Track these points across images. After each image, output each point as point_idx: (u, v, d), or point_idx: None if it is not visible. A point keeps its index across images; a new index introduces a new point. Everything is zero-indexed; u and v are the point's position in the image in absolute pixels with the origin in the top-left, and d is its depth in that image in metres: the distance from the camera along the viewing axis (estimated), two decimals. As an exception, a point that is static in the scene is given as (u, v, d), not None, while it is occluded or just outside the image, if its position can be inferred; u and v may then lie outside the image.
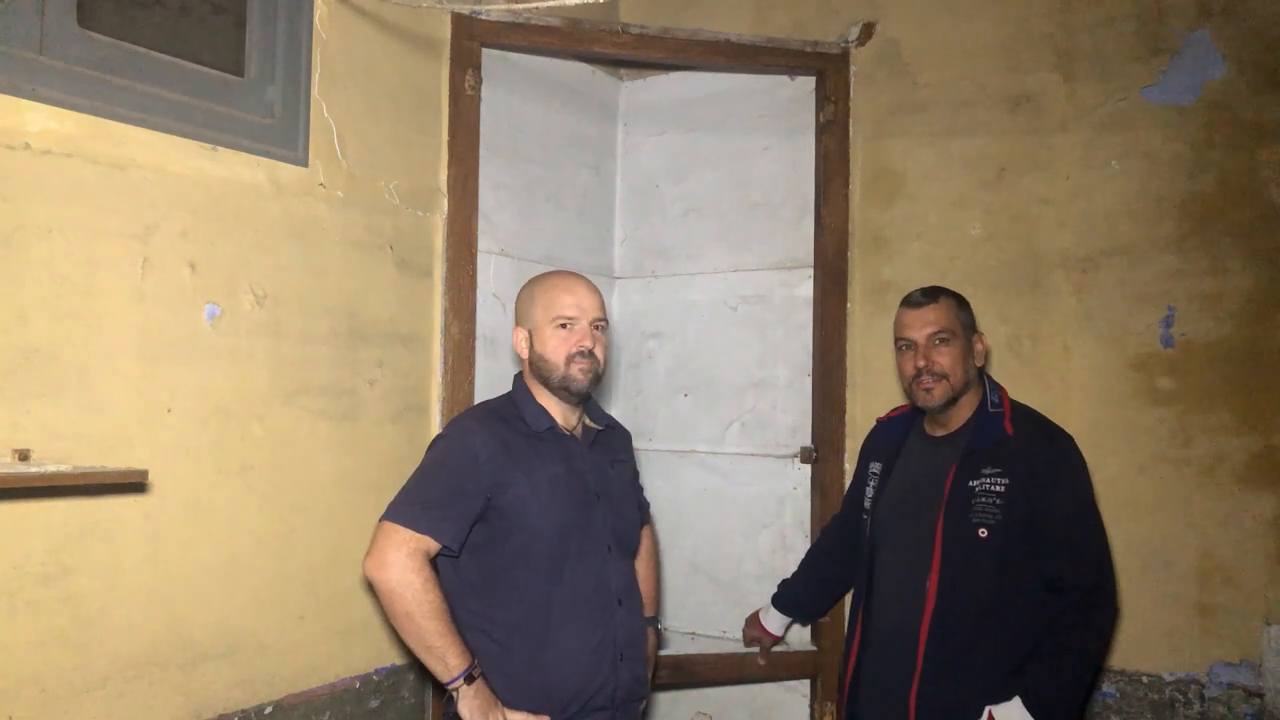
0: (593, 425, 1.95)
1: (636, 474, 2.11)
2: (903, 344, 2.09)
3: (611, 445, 1.99)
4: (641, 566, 2.07)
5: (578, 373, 1.81)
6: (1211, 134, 2.44)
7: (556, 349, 1.82)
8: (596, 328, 1.85)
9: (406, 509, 1.69)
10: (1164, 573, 2.43)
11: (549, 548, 1.77)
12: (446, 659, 1.65)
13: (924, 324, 2.04)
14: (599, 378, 1.86)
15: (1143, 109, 2.51)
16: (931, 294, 2.07)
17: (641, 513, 2.08)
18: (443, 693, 1.74)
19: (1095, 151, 2.56)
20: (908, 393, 2.12)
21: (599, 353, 1.85)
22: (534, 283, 1.91)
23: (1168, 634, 2.42)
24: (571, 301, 1.84)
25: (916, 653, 1.96)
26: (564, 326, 1.82)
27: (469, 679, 1.66)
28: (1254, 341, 2.38)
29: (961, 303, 2.08)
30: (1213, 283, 2.42)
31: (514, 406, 1.87)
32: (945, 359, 2.01)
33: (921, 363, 2.03)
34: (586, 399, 1.89)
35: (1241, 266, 2.40)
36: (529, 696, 1.74)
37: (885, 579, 2.10)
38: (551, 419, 1.86)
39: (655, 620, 2.13)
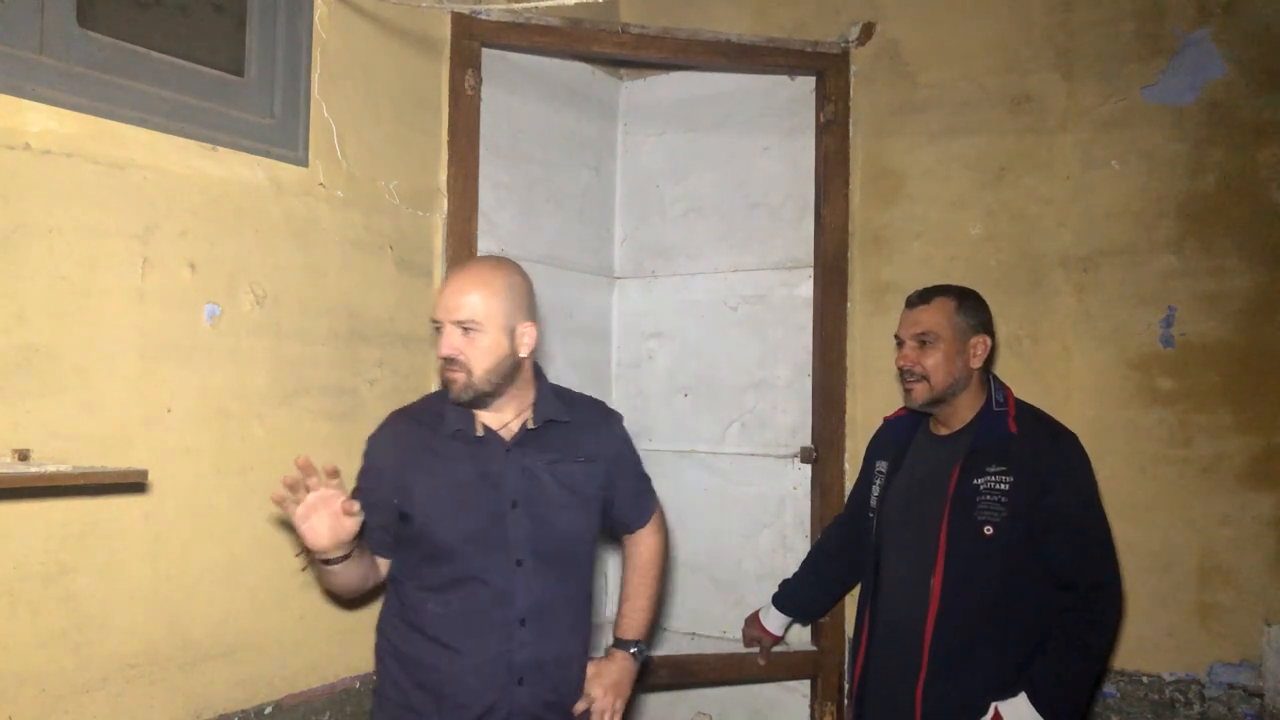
0: (529, 423, 1.76)
1: (636, 475, 1.93)
2: (897, 341, 2.12)
3: (562, 442, 1.78)
4: (633, 580, 1.93)
5: (448, 382, 1.67)
6: (1211, 134, 2.44)
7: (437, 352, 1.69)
8: (466, 330, 1.65)
9: None
10: (1164, 573, 2.43)
11: (446, 556, 1.69)
12: (322, 567, 1.65)
13: (911, 325, 2.07)
14: (491, 388, 1.68)
15: (1143, 109, 2.51)
16: (927, 295, 2.09)
17: (625, 520, 1.92)
18: None
19: (1095, 151, 2.56)
20: None
21: (469, 358, 1.65)
22: None
23: (1168, 634, 2.42)
24: (439, 303, 1.68)
25: (922, 650, 1.98)
26: (437, 330, 1.68)
27: None
28: (1254, 341, 2.38)
29: (964, 303, 2.07)
30: (1213, 283, 2.42)
31: (438, 405, 1.76)
32: (928, 360, 2.03)
33: (903, 363, 2.07)
34: (480, 405, 1.71)
35: (1241, 266, 2.40)
36: (415, 694, 1.69)
37: (891, 577, 2.12)
38: (469, 419, 1.73)
39: (632, 645, 1.89)
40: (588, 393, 3.03)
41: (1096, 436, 2.41)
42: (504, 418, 1.75)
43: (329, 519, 1.52)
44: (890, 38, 2.82)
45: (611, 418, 1.92)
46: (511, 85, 2.77)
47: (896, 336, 2.12)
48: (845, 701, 2.73)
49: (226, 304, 1.93)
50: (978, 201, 2.69)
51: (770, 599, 2.59)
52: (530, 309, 1.74)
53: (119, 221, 1.75)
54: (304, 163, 2.09)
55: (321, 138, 2.14)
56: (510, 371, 1.70)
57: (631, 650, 1.89)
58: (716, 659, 2.75)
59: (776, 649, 2.69)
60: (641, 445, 3.13)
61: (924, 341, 2.04)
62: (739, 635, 2.72)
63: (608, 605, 3.20)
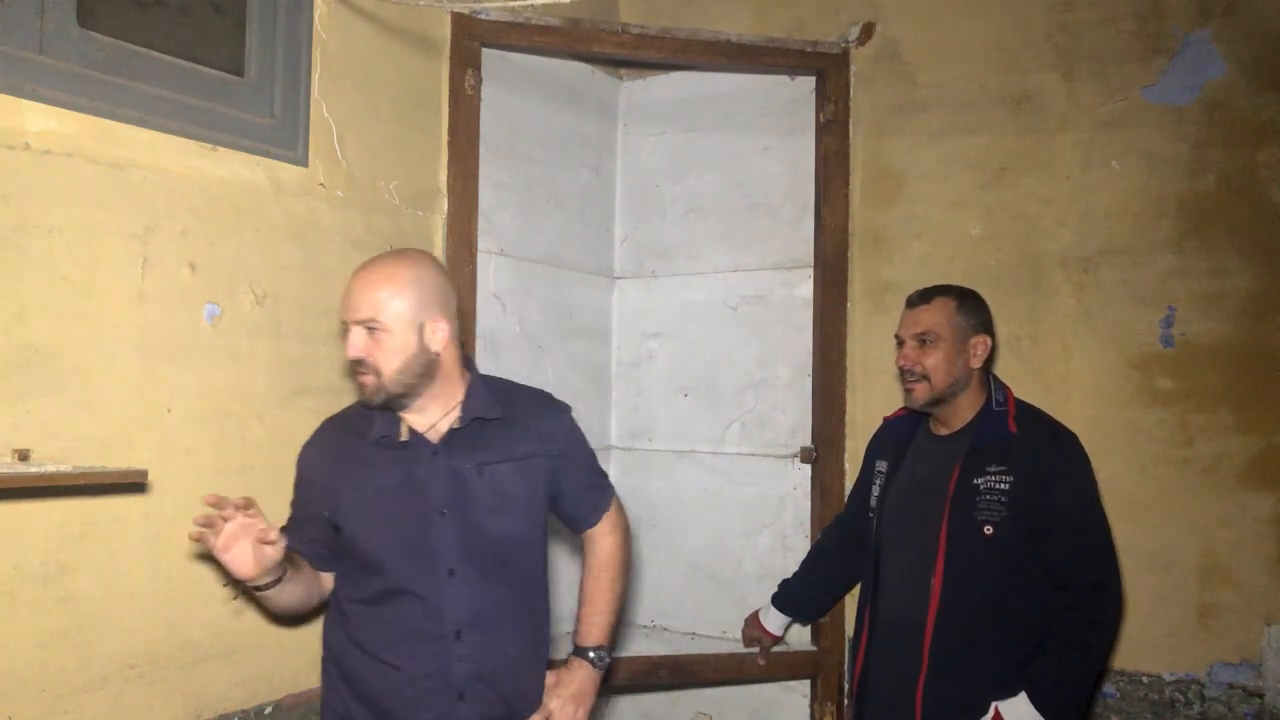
0: (455, 423, 1.67)
1: (585, 469, 1.80)
2: (897, 340, 2.12)
3: (495, 440, 1.68)
4: (588, 583, 1.82)
5: (360, 386, 1.61)
6: (1211, 134, 2.44)
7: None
8: (370, 330, 1.57)
9: None
10: (1164, 573, 2.43)
11: (373, 566, 1.63)
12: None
13: (912, 324, 2.07)
14: (403, 390, 1.60)
15: (1143, 109, 2.51)
16: (928, 294, 2.09)
17: (575, 517, 1.82)
18: None
19: (1095, 151, 2.56)
20: None
21: (376, 360, 1.57)
22: None
23: (1168, 634, 2.42)
24: (342, 302, 1.60)
25: (922, 649, 1.98)
26: (345, 331, 1.60)
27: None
28: (1254, 341, 2.38)
29: (964, 303, 2.07)
30: (1213, 283, 2.42)
31: (367, 410, 1.67)
32: (928, 360, 2.03)
33: (903, 363, 2.07)
34: (397, 407, 1.64)
35: (1241, 266, 2.40)
36: (356, 708, 1.65)
37: (891, 576, 2.12)
38: (394, 424, 1.66)
39: (591, 652, 1.79)
40: (587, 393, 3.07)
41: (1096, 436, 2.41)
42: (431, 419, 1.66)
43: (251, 548, 1.49)
44: (890, 38, 2.82)
45: (555, 409, 1.79)
46: (511, 85, 2.77)
47: (897, 336, 2.12)
48: (845, 701, 2.73)
49: (226, 304, 1.93)
50: (978, 201, 2.69)
51: (770, 599, 2.59)
52: (442, 303, 1.64)
53: (119, 221, 1.75)
54: (304, 163, 2.09)
55: (321, 138, 2.14)
56: (424, 370, 1.61)
57: (590, 656, 1.78)
58: (716, 659, 2.75)
59: (776, 649, 2.69)
60: (641, 445, 3.16)
61: (924, 341, 2.05)
62: (739, 635, 2.72)
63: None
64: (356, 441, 1.67)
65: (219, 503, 1.46)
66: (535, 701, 1.73)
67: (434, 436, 1.66)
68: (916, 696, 1.98)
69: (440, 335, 1.62)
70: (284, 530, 1.60)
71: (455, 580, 1.63)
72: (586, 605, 1.82)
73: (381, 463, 1.65)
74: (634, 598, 3.16)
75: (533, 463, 1.71)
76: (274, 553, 1.51)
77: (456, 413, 1.67)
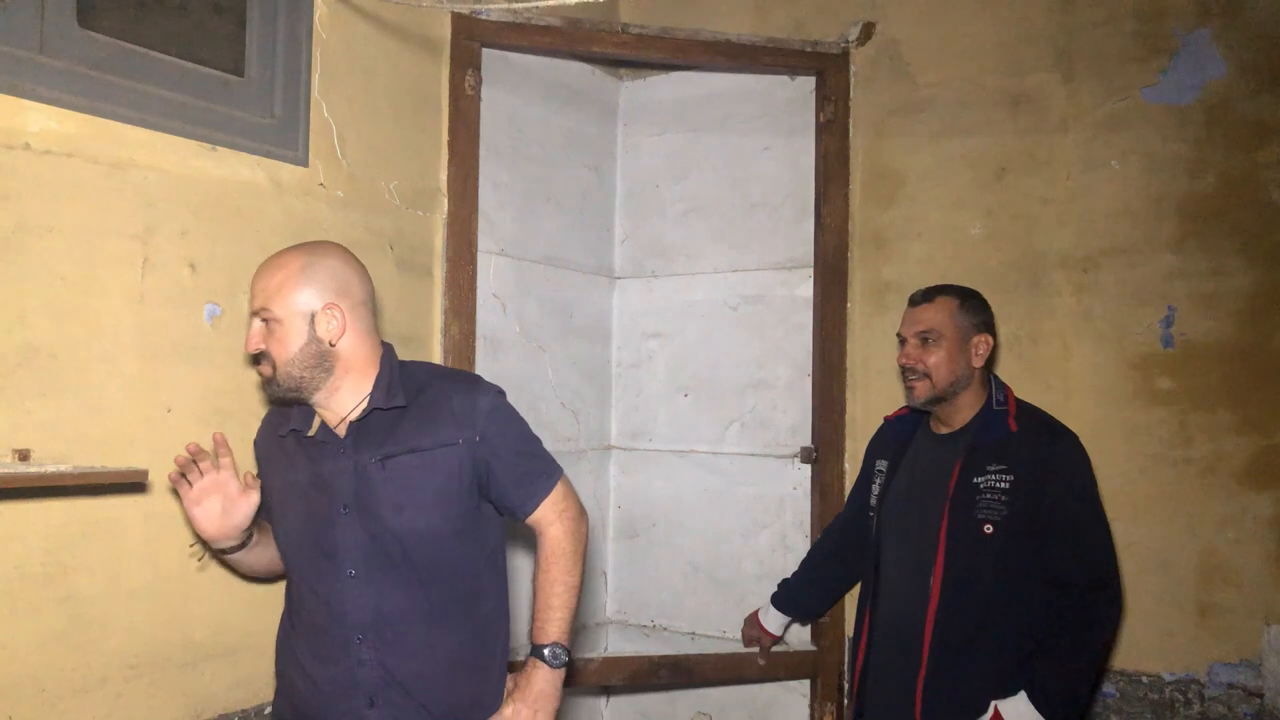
0: (355, 415, 1.59)
1: (515, 454, 1.65)
2: (899, 339, 2.12)
3: (400, 431, 1.59)
4: (539, 577, 1.69)
5: (262, 384, 1.59)
6: (1211, 134, 2.44)
7: None
8: (264, 320, 1.54)
9: None
10: (1164, 573, 2.43)
11: (288, 564, 1.66)
12: None
13: (914, 322, 2.08)
14: (295, 384, 1.55)
15: (1143, 109, 2.51)
16: (930, 293, 2.09)
17: (509, 504, 1.68)
18: None
19: (1095, 151, 2.56)
20: None
21: (275, 352, 1.53)
22: None
23: (1168, 634, 2.42)
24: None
25: (922, 648, 1.98)
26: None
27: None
28: (1254, 341, 2.38)
29: (967, 302, 2.08)
30: (1213, 283, 2.42)
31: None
32: (930, 359, 2.04)
33: (905, 361, 2.08)
34: (296, 401, 1.60)
35: (1241, 266, 2.40)
36: (284, 706, 1.69)
37: (890, 575, 2.12)
38: (306, 417, 1.63)
39: (545, 650, 1.64)
40: (587, 393, 3.07)
41: (1096, 436, 2.41)
42: (340, 413, 1.60)
43: (221, 503, 1.55)
44: (890, 38, 2.82)
45: (476, 391, 1.65)
46: (511, 85, 2.77)
47: (899, 335, 2.12)
48: (845, 701, 2.73)
49: (226, 304, 1.93)
50: (978, 201, 2.69)
51: (770, 599, 2.59)
52: (339, 291, 1.56)
53: (119, 221, 1.75)
54: (304, 163, 2.09)
55: (321, 138, 2.14)
56: (318, 362, 1.55)
57: (545, 655, 1.64)
58: (716, 659, 2.75)
59: (776, 649, 2.69)
60: (641, 445, 3.16)
61: (926, 339, 2.05)
62: (739, 635, 2.72)
63: (608, 603, 3.20)
64: (279, 432, 1.67)
65: (197, 451, 1.52)
66: (488, 709, 1.65)
67: (342, 430, 1.61)
68: (916, 695, 1.98)
69: (334, 324, 1.55)
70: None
71: (356, 581, 1.56)
72: (539, 601, 1.68)
73: (295, 458, 1.63)
74: (633, 597, 3.16)
75: (444, 452, 1.59)
76: (246, 509, 1.59)
77: (363, 405, 1.60)
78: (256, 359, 1.58)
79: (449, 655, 1.61)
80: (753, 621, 2.64)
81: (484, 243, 2.58)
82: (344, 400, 1.60)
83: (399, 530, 1.57)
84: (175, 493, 1.64)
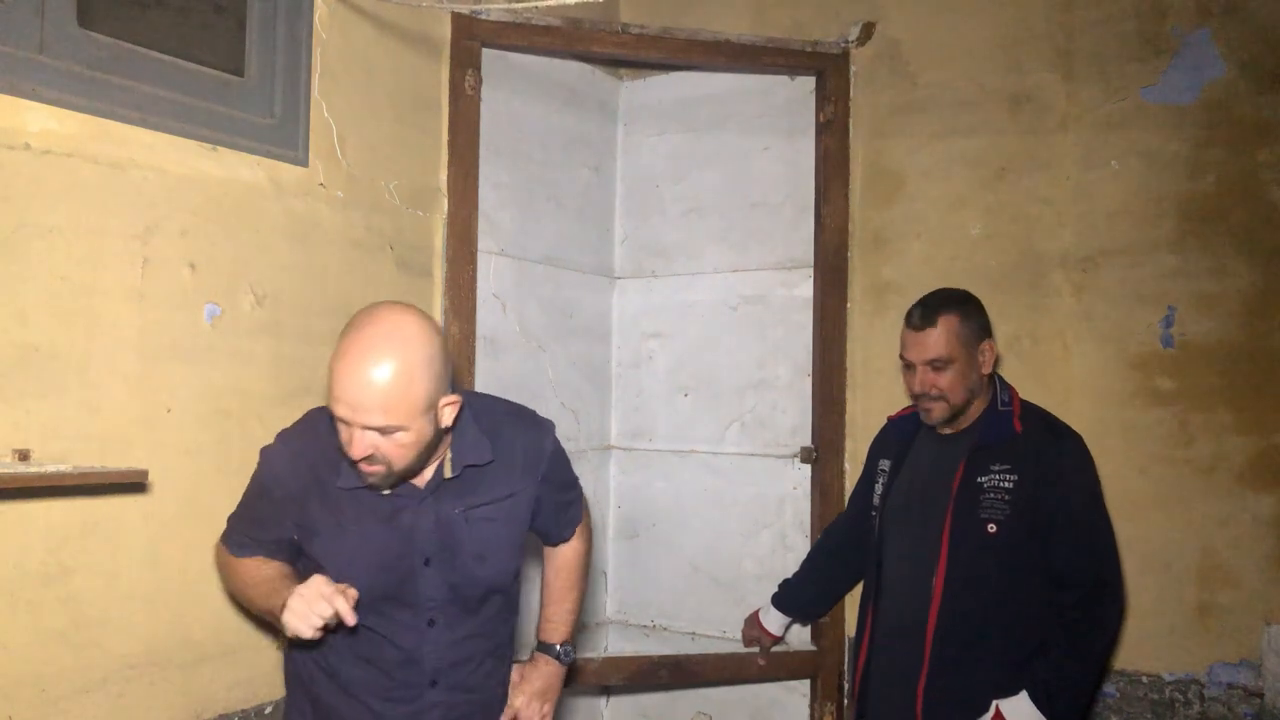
0: (445, 471, 1.54)
1: (563, 487, 1.72)
2: (904, 362, 2.08)
3: (480, 482, 1.57)
4: (555, 583, 1.78)
5: (365, 476, 1.44)
6: (1211, 134, 2.44)
7: (340, 439, 1.43)
8: (384, 432, 1.39)
9: (228, 525, 1.62)
10: (1164, 573, 2.43)
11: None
12: (273, 609, 1.42)
13: (921, 350, 2.02)
14: (410, 471, 1.47)
15: (1143, 109, 2.51)
16: (930, 316, 2.01)
17: (550, 536, 1.76)
18: None
19: (1095, 151, 2.56)
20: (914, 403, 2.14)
21: (389, 455, 1.40)
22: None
23: (1168, 634, 2.42)
24: (339, 392, 1.38)
25: (924, 648, 1.98)
26: (340, 420, 1.40)
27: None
28: (1254, 341, 2.38)
29: (966, 314, 2.03)
30: (1213, 283, 2.42)
31: (335, 447, 1.47)
32: (943, 382, 2.01)
33: (918, 388, 2.04)
34: (407, 479, 1.51)
35: (1241, 266, 2.40)
36: None
37: (893, 575, 2.12)
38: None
39: (558, 648, 1.77)
40: (587, 393, 3.07)
41: (1096, 436, 2.40)
42: (425, 470, 1.54)
43: None
44: (890, 38, 2.82)
45: (540, 432, 1.67)
46: (511, 85, 2.77)
47: (904, 358, 2.07)
48: (845, 701, 2.73)
49: (226, 304, 1.93)
50: (978, 201, 2.69)
51: (770, 599, 2.59)
52: (446, 373, 1.46)
53: (119, 221, 1.75)
54: (304, 163, 2.09)
55: (321, 138, 2.14)
56: (434, 447, 1.49)
57: (558, 652, 1.76)
58: (716, 659, 2.75)
59: (776, 649, 2.69)
60: (641, 445, 3.16)
61: (938, 366, 2.01)
62: (739, 635, 2.72)
63: (609, 603, 3.20)
64: (332, 471, 1.51)
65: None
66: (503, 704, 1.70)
67: (419, 482, 1.54)
68: (918, 695, 1.98)
69: (449, 410, 1.47)
70: (247, 537, 1.56)
71: (436, 630, 1.55)
72: (553, 604, 1.78)
73: (363, 506, 1.51)
74: (634, 598, 3.16)
75: (515, 500, 1.61)
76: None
77: (445, 457, 1.54)
78: (367, 461, 1.42)
79: (498, 680, 1.68)
80: (753, 622, 2.64)
81: (484, 243, 2.58)
82: (432, 461, 1.54)
83: (481, 576, 1.57)
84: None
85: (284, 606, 1.37)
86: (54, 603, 1.65)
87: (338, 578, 1.43)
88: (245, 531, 1.58)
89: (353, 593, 1.39)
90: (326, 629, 1.38)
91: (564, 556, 1.79)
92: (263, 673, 2.00)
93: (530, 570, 2.48)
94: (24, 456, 1.56)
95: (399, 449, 1.40)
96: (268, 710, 2.00)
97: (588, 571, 1.85)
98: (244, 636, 1.97)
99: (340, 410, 1.38)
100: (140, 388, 1.78)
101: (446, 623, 1.56)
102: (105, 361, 1.72)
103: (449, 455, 1.54)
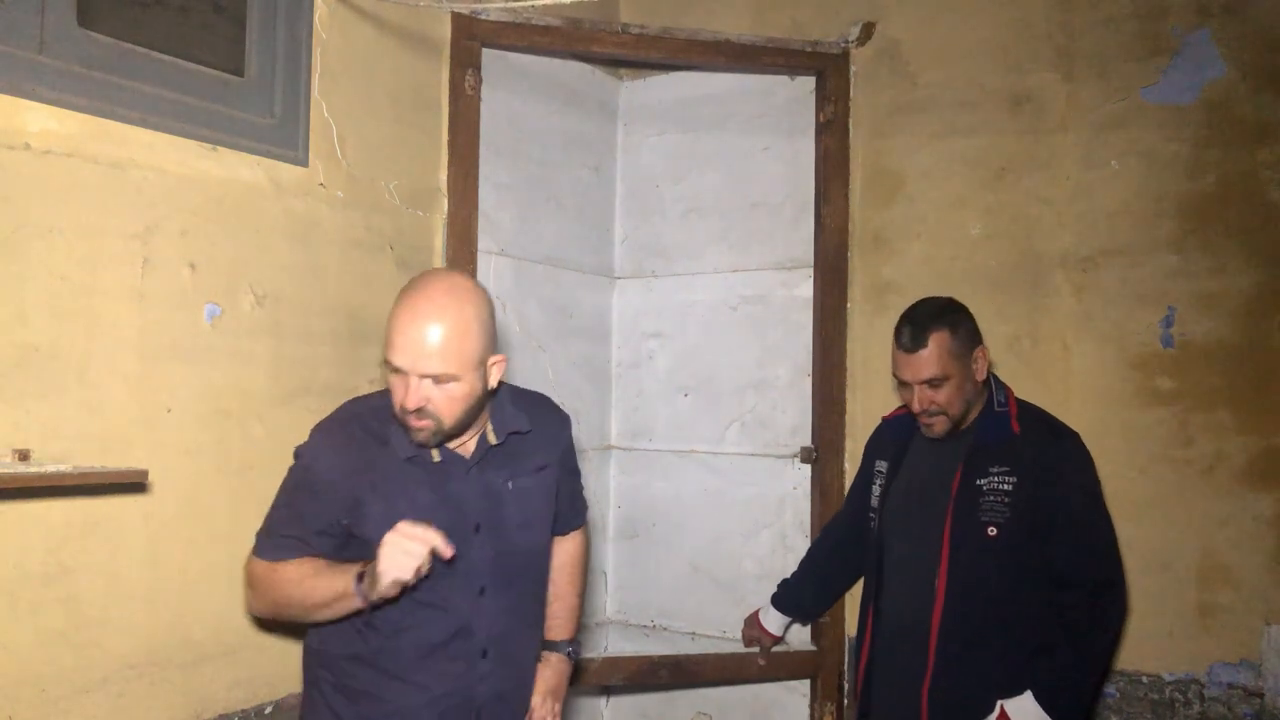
0: (490, 439, 1.63)
1: (573, 473, 1.83)
2: (898, 380, 2.07)
3: (520, 453, 1.66)
4: (560, 580, 1.83)
5: (415, 432, 1.50)
6: (1211, 134, 2.44)
7: (394, 394, 1.50)
8: (437, 380, 1.47)
9: (259, 540, 1.60)
10: (1164, 573, 2.43)
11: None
12: (339, 587, 1.45)
13: (916, 370, 2.00)
14: (458, 428, 1.53)
15: (1143, 109, 2.51)
16: (920, 336, 1.98)
17: (562, 521, 1.81)
18: None
19: (1095, 151, 2.56)
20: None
21: (439, 408, 1.48)
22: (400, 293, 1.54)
23: (1168, 634, 2.42)
24: (397, 344, 1.47)
25: (928, 649, 1.98)
26: (396, 372, 1.48)
27: (359, 575, 1.45)
28: (1254, 341, 2.38)
29: (956, 327, 2.00)
30: (1213, 283, 2.42)
31: (380, 421, 1.57)
32: (941, 398, 2.00)
33: (918, 407, 2.03)
34: (452, 438, 1.57)
35: (1241, 266, 2.40)
36: None
37: (894, 576, 2.12)
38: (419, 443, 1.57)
39: (567, 645, 1.82)
40: (587, 393, 3.07)
41: (1096, 436, 2.40)
42: (462, 439, 1.61)
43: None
44: (890, 38, 2.82)
45: (561, 417, 1.80)
46: (511, 85, 2.77)
47: (898, 378, 2.06)
48: (845, 701, 2.73)
49: (226, 304, 1.93)
50: (978, 201, 2.69)
51: (770, 599, 2.59)
52: (495, 336, 1.56)
53: (119, 221, 1.75)
54: (304, 163, 2.09)
55: (321, 138, 2.14)
56: (481, 407, 1.56)
57: (567, 651, 1.82)
58: (716, 659, 2.75)
59: (776, 649, 2.69)
60: (641, 445, 3.16)
61: (934, 384, 2.00)
62: (739, 635, 2.72)
63: (609, 603, 3.20)
64: (378, 451, 1.56)
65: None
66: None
67: (465, 452, 1.61)
68: (923, 696, 1.98)
69: (498, 370, 1.56)
70: (287, 538, 1.55)
71: (485, 598, 1.60)
72: (559, 601, 1.83)
73: (412, 478, 1.56)
74: (634, 597, 3.16)
75: (547, 473, 1.71)
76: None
77: (487, 427, 1.62)
78: (411, 413, 1.48)
79: (534, 659, 1.75)
80: (753, 622, 2.64)
81: (484, 243, 2.58)
82: (474, 429, 1.62)
83: (523, 546, 1.65)
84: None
85: (365, 571, 1.41)
86: (54, 603, 1.65)
87: None
88: (284, 532, 1.56)
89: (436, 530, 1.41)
90: (419, 574, 1.40)
91: (568, 552, 1.86)
92: (263, 673, 2.00)
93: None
94: (24, 456, 1.56)
95: (450, 402, 1.48)
96: (268, 710, 2.00)
97: (586, 569, 1.92)
98: (244, 636, 1.96)
99: (398, 360, 1.46)
100: (140, 388, 1.78)
101: (495, 592, 1.60)
102: (105, 361, 1.72)
103: (490, 426, 1.63)
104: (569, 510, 1.84)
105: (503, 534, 1.61)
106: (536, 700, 1.75)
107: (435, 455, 1.58)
